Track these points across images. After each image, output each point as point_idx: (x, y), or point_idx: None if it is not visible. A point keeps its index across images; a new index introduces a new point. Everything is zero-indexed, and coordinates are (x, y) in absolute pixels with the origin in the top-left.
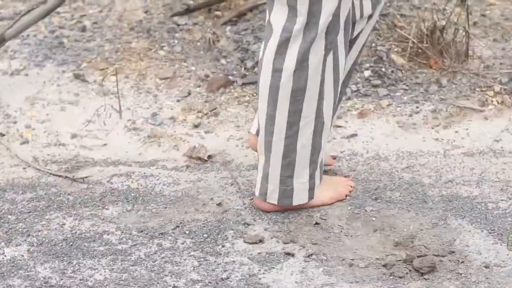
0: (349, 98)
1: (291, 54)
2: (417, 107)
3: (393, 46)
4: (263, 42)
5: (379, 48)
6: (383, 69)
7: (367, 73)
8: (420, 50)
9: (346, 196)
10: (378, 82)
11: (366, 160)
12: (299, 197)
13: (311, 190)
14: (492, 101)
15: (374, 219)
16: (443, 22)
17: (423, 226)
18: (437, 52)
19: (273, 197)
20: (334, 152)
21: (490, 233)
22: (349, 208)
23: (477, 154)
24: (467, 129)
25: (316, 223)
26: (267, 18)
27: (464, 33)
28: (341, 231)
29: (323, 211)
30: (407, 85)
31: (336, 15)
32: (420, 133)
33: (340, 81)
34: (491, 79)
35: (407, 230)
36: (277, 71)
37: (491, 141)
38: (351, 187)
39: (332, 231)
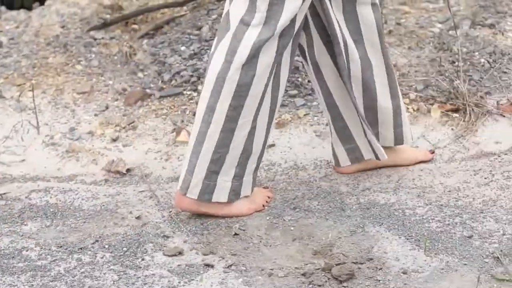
0: None
1: (243, 48)
2: None
3: None
4: (217, 33)
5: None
6: (300, 79)
7: None
8: None
9: (263, 206)
10: (295, 92)
11: (284, 170)
12: (219, 195)
13: (234, 192)
14: (408, 108)
15: (292, 228)
16: None
17: (341, 234)
18: None
19: (194, 192)
20: None
21: (407, 239)
22: (267, 218)
23: None
24: None
25: (235, 234)
26: (225, 10)
27: None
28: (260, 241)
29: (242, 222)
30: None
31: (293, 20)
32: None
33: (280, 92)
34: (407, 86)
35: (325, 238)
36: (227, 62)
37: None
38: (269, 197)
39: (251, 242)
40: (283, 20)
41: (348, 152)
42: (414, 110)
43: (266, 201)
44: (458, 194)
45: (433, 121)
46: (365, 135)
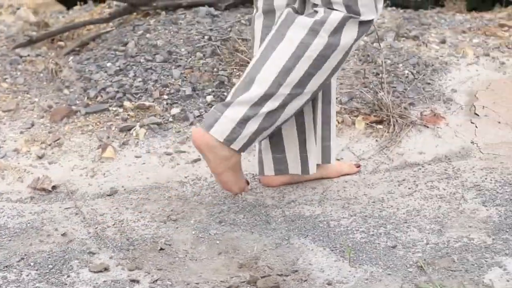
0: (192, 123)
1: (331, 20)
2: None
3: (234, 70)
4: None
5: (221, 72)
6: (225, 93)
7: (209, 98)
8: None
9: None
10: None
11: (210, 184)
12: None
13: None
14: None
15: (218, 242)
16: None
17: (266, 247)
18: None
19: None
20: (179, 177)
21: (332, 250)
22: (193, 232)
23: None
24: None
25: (161, 249)
26: None
27: None
28: (186, 256)
29: (168, 237)
30: None
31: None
32: None
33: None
34: None
35: (251, 251)
36: (313, 30)
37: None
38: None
39: (177, 256)
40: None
41: (275, 162)
42: (339, 122)
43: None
44: (382, 204)
45: (358, 133)
46: (302, 148)
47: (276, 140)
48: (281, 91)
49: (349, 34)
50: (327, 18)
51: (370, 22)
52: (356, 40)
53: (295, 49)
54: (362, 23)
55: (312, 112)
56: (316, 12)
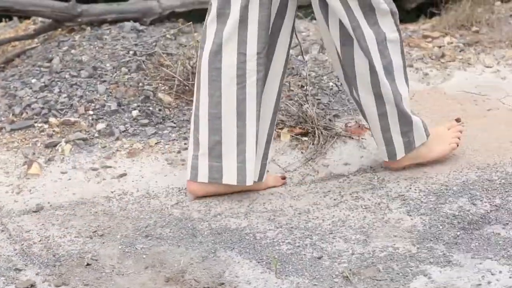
0: (117, 139)
1: None
2: (185, 144)
3: (160, 84)
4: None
5: (146, 87)
6: (151, 108)
7: (134, 113)
8: (186, 88)
9: (457, 145)
10: (146, 121)
11: (137, 198)
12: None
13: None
14: None
15: (145, 256)
16: None
17: (193, 260)
18: None
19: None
20: (105, 192)
21: (258, 262)
22: (120, 247)
23: None
24: None
25: (88, 264)
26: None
27: None
28: (113, 270)
29: (95, 252)
30: (175, 123)
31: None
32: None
33: None
34: None
35: (177, 265)
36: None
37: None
38: (460, 132)
39: (103, 271)
40: None
41: (211, 170)
42: None
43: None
44: (308, 216)
45: (283, 145)
46: (241, 157)
47: (215, 147)
48: None
49: None
50: None
51: None
52: None
53: None
54: None
55: (256, 125)
56: None
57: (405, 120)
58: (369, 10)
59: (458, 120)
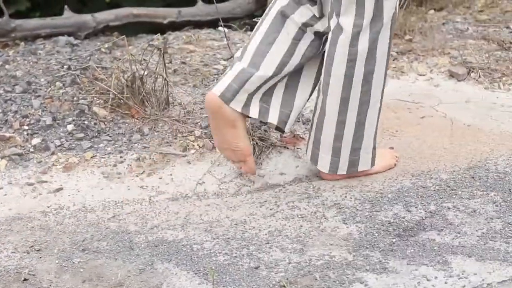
0: (53, 153)
1: (362, 45)
2: (121, 157)
3: (95, 98)
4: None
5: (81, 101)
6: (86, 122)
7: (70, 127)
8: (121, 101)
9: (394, 165)
10: (82, 135)
11: (73, 212)
12: (364, 164)
13: (373, 158)
14: (194, 145)
15: (82, 270)
16: (144, 72)
17: (130, 273)
18: (139, 102)
19: (343, 169)
20: (41, 207)
21: (196, 273)
22: (57, 261)
23: (181, 198)
24: (171, 174)
25: (25, 279)
26: (331, 22)
27: (163, 82)
28: (50, 285)
29: (32, 267)
30: (110, 136)
31: (395, 7)
32: (125, 182)
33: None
34: (192, 124)
35: (115, 278)
36: (351, 61)
37: (195, 184)
38: (397, 157)
39: (41, 286)
40: (387, 9)
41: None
42: (199, 146)
43: (396, 161)
44: (244, 226)
45: (219, 156)
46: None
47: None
48: None
49: None
50: None
51: None
52: None
53: None
54: None
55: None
56: None
57: (360, 134)
58: None
59: (391, 148)
